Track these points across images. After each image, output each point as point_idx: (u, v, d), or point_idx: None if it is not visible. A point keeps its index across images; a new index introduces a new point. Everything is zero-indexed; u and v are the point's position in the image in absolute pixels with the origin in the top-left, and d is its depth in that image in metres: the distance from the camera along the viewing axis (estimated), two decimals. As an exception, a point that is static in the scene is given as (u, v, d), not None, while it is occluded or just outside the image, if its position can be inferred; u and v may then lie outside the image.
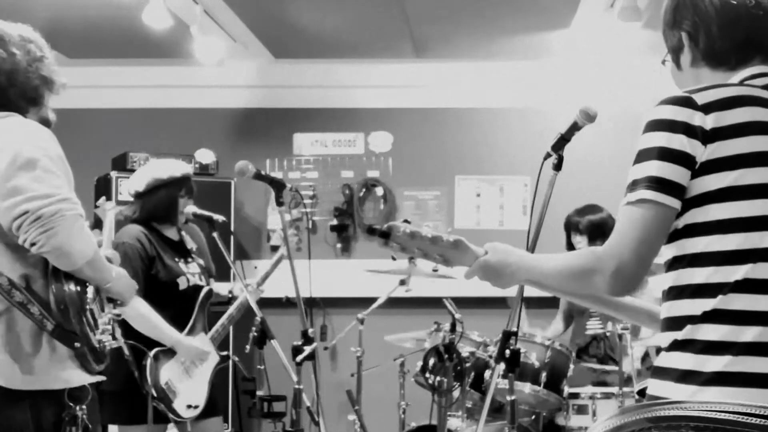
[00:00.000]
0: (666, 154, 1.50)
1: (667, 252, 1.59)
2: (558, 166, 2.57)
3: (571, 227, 4.33)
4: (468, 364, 3.43)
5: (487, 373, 3.56)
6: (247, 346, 3.15)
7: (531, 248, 2.59)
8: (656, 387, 1.55)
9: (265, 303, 3.60)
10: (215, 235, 3.33)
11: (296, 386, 2.91)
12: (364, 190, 5.52)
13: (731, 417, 1.41)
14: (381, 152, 5.56)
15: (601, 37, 4.84)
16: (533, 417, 3.79)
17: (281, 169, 5.53)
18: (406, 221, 1.84)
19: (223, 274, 4.21)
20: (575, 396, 3.67)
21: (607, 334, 3.87)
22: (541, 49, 5.16)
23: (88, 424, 2.16)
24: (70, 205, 2.07)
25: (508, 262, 1.78)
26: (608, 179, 5.21)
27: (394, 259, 1.93)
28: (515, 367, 2.80)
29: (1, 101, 2.22)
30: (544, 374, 3.58)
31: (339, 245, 5.48)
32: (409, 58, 5.38)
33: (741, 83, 1.63)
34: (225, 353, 3.60)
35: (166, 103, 5.42)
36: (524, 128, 5.43)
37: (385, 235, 1.79)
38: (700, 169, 1.50)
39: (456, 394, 3.25)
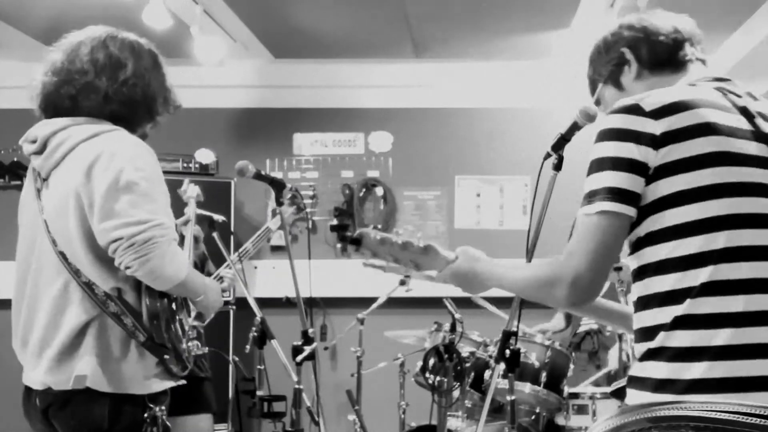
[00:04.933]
0: (617, 164, 1.51)
1: (632, 263, 1.60)
2: (558, 166, 2.57)
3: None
4: (468, 364, 3.43)
5: (487, 373, 3.56)
6: (247, 346, 3.15)
7: (531, 248, 2.59)
8: (634, 397, 1.55)
9: (265, 303, 3.60)
10: (215, 235, 3.33)
11: (296, 386, 2.91)
12: (364, 190, 5.52)
13: (731, 417, 1.41)
14: (381, 152, 5.56)
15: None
16: (533, 417, 3.79)
17: (281, 169, 5.53)
18: (376, 228, 1.86)
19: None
20: (575, 396, 3.67)
21: (606, 333, 3.88)
22: (541, 49, 5.16)
23: (168, 425, 2.20)
24: (163, 231, 2.10)
25: (477, 269, 1.79)
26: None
27: (365, 265, 1.93)
28: (515, 367, 2.80)
29: (127, 114, 2.25)
30: (544, 374, 3.58)
31: (339, 245, 5.48)
32: (409, 58, 5.38)
33: (691, 84, 1.67)
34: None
35: (166, 103, 5.42)
36: (524, 128, 5.44)
37: (356, 242, 1.82)
38: (653, 175, 1.51)
39: (456, 394, 3.25)
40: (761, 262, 1.50)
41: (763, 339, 1.47)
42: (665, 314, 1.51)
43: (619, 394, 2.37)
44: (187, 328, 2.30)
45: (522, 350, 2.93)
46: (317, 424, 3.09)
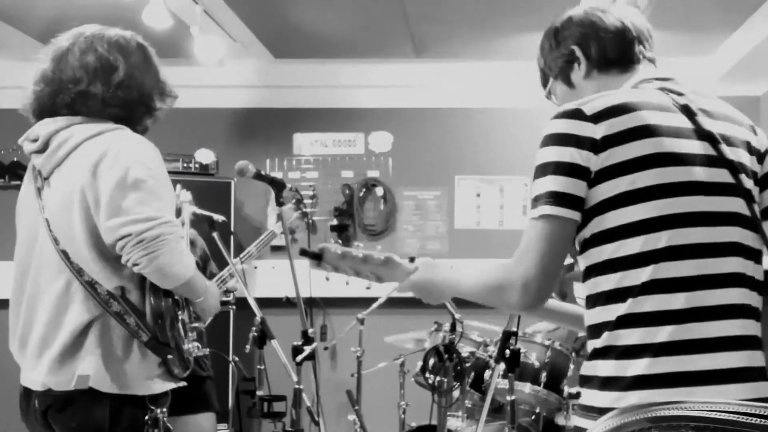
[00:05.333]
0: (559, 168, 1.54)
1: (582, 262, 1.62)
2: (558, 166, 2.56)
3: None
4: (468, 364, 3.43)
5: (487, 373, 3.56)
6: (247, 346, 3.15)
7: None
8: (584, 395, 1.59)
9: (265, 303, 3.60)
10: (215, 235, 3.33)
11: (296, 386, 2.91)
12: (364, 190, 5.52)
13: (731, 417, 1.41)
14: (381, 152, 5.56)
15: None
16: (533, 417, 3.79)
17: (281, 169, 5.53)
18: (337, 241, 1.88)
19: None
20: (575, 396, 3.66)
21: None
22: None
23: (169, 427, 2.20)
24: (172, 228, 2.11)
25: (434, 281, 1.82)
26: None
27: (327, 279, 1.96)
28: (515, 367, 2.80)
29: (126, 115, 2.25)
30: (544, 374, 3.58)
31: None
32: (409, 58, 5.38)
33: (635, 86, 1.68)
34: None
35: (166, 103, 5.42)
36: (524, 128, 5.43)
37: (317, 257, 1.84)
38: (595, 179, 1.53)
39: (456, 394, 3.25)
40: (702, 260, 1.52)
41: (704, 334, 1.51)
42: (609, 313, 1.54)
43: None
44: (188, 328, 2.30)
45: (522, 350, 2.93)
46: (317, 424, 3.09)
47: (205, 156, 5.07)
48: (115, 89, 2.19)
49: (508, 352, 2.75)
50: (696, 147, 1.57)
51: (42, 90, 2.20)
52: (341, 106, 5.56)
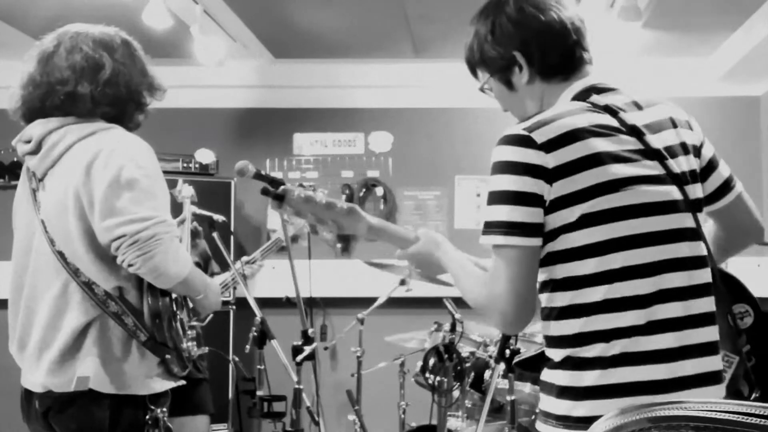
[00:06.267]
0: (516, 198, 1.56)
1: (540, 276, 1.65)
2: (558, 166, 2.56)
3: None
4: (468, 364, 3.43)
5: (487, 373, 3.56)
6: (247, 346, 3.15)
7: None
8: (543, 401, 1.66)
9: (265, 303, 3.60)
10: (215, 235, 3.33)
11: (296, 386, 2.91)
12: (364, 190, 5.52)
13: (731, 417, 1.41)
14: (381, 152, 5.56)
15: (601, 37, 4.83)
16: (533, 417, 3.78)
17: (281, 169, 5.53)
18: (301, 185, 1.86)
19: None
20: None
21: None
22: (541, 49, 5.16)
23: (169, 426, 2.20)
24: (167, 227, 2.10)
25: (435, 255, 1.84)
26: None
27: (286, 220, 1.93)
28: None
29: (117, 113, 2.23)
30: (544, 374, 3.58)
31: (339, 245, 5.48)
32: (409, 58, 5.38)
33: (584, 99, 1.67)
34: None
35: (166, 103, 5.41)
36: (524, 128, 5.43)
37: (279, 198, 1.82)
38: (550, 206, 1.56)
39: (456, 394, 3.24)
40: (659, 276, 1.58)
41: (654, 346, 1.56)
42: (566, 327, 1.60)
43: (523, 365, 2.40)
44: (186, 327, 2.29)
45: (522, 350, 2.93)
46: (317, 424, 3.09)
47: (205, 156, 5.07)
48: (103, 87, 2.18)
49: (508, 352, 2.75)
50: (644, 168, 1.60)
51: (30, 93, 2.19)
52: (341, 106, 5.56)
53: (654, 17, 4.38)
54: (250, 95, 5.61)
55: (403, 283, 4.21)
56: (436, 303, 3.73)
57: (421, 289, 4.24)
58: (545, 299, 1.64)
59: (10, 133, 2.29)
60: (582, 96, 1.69)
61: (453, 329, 3.41)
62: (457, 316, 3.44)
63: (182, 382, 2.29)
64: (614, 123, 1.63)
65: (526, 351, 2.45)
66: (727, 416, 1.42)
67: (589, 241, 1.56)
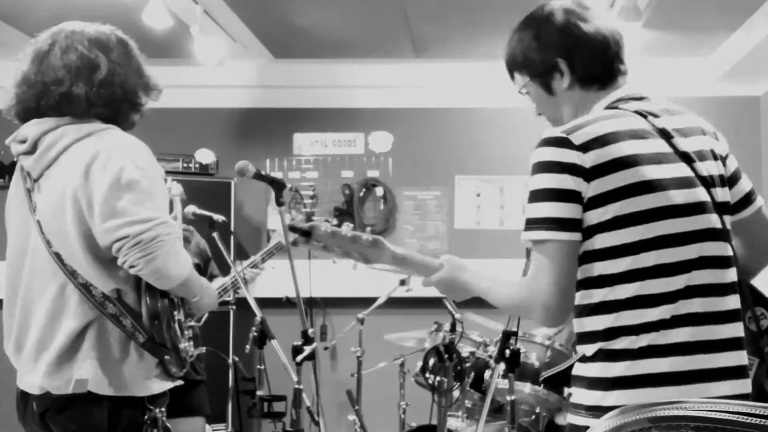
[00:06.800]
0: (556, 195, 1.65)
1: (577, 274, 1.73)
2: (558, 166, 2.57)
3: None
4: (468, 364, 3.43)
5: (487, 373, 3.56)
6: (247, 346, 3.14)
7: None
8: (574, 394, 1.75)
9: (265, 303, 3.59)
10: (215, 235, 3.33)
11: (296, 386, 2.90)
12: (364, 190, 5.52)
13: (731, 417, 1.41)
14: (381, 152, 5.56)
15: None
16: (533, 417, 3.78)
17: (281, 169, 5.53)
18: (326, 221, 1.90)
19: (224, 274, 4.21)
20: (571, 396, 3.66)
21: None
22: (541, 49, 5.15)
23: (168, 426, 2.19)
24: (168, 228, 2.08)
25: (461, 279, 1.89)
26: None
27: (334, 262, 1.98)
28: (515, 367, 2.80)
29: (112, 114, 2.21)
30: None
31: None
32: (409, 58, 5.38)
33: (614, 107, 1.77)
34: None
35: (166, 103, 5.41)
36: (524, 128, 5.42)
37: (307, 234, 1.86)
38: (587, 204, 1.66)
39: (456, 394, 3.24)
40: (689, 274, 1.67)
41: (678, 339, 1.65)
42: (597, 323, 1.69)
43: (550, 381, 2.45)
44: (184, 327, 2.29)
45: (522, 350, 2.93)
46: (317, 424, 3.09)
47: (205, 156, 5.07)
48: (98, 88, 2.16)
49: (508, 352, 2.75)
50: (673, 170, 1.69)
51: (25, 92, 2.17)
52: (341, 106, 5.55)
53: (654, 17, 4.38)
54: (250, 95, 5.61)
55: (403, 283, 4.22)
56: (436, 303, 3.73)
57: (421, 289, 4.24)
58: (579, 296, 1.71)
59: (10, 133, 2.28)
60: (616, 103, 1.79)
61: (453, 329, 3.41)
62: (457, 316, 3.44)
63: (180, 383, 2.28)
64: (645, 126, 1.72)
65: (556, 367, 2.49)
66: (727, 416, 1.42)
67: (622, 241, 1.65)
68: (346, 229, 1.88)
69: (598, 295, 1.68)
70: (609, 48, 1.82)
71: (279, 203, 3.04)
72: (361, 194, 5.51)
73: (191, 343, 2.29)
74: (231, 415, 4.91)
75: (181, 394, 2.43)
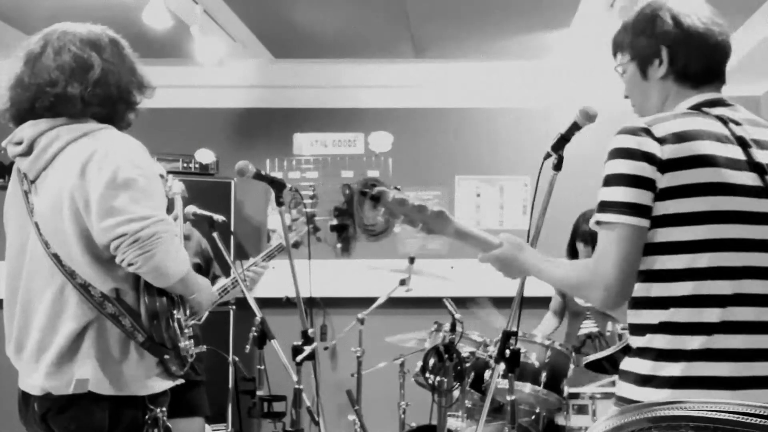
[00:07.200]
0: (631, 180, 1.69)
1: None
2: (558, 166, 2.58)
3: (577, 235, 4.29)
4: (468, 364, 3.43)
5: (487, 373, 3.55)
6: (247, 346, 3.14)
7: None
8: (621, 388, 1.76)
9: (265, 303, 3.59)
10: (215, 235, 3.33)
11: (296, 386, 2.90)
12: (364, 190, 5.51)
13: (731, 417, 1.42)
14: (381, 152, 5.56)
15: (601, 37, 4.83)
16: (533, 417, 3.78)
17: (281, 169, 5.53)
18: (396, 188, 1.93)
19: (224, 274, 4.21)
20: (575, 396, 3.66)
21: (607, 333, 3.87)
22: (541, 49, 5.16)
23: (169, 426, 2.19)
24: (166, 226, 2.08)
25: (520, 258, 1.95)
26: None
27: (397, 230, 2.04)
28: (515, 367, 2.80)
29: (108, 113, 2.21)
30: (544, 374, 3.57)
31: (339, 245, 5.48)
32: (409, 58, 5.38)
33: (698, 109, 1.79)
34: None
35: (166, 103, 5.42)
36: (524, 128, 5.43)
37: (375, 199, 1.94)
38: (659, 194, 1.69)
39: (456, 394, 3.24)
40: (738, 281, 1.69)
41: (731, 345, 1.67)
42: (652, 317, 1.72)
43: (593, 366, 2.48)
44: (184, 326, 2.28)
45: (522, 350, 2.93)
46: (317, 424, 3.09)
47: (205, 156, 5.07)
48: (93, 87, 2.15)
49: (508, 352, 2.75)
50: (746, 178, 1.72)
51: (19, 95, 2.17)
52: (341, 106, 5.55)
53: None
54: (250, 95, 5.61)
55: (403, 283, 4.22)
56: (436, 303, 3.73)
57: (421, 289, 4.25)
58: (637, 288, 1.73)
59: (10, 132, 2.27)
60: (700, 106, 1.81)
61: (453, 329, 3.41)
62: (457, 316, 3.44)
63: (181, 381, 2.28)
64: (724, 131, 1.75)
65: (599, 352, 2.52)
66: (727, 416, 1.42)
67: (685, 238, 1.68)
68: (414, 197, 1.95)
69: (656, 289, 1.71)
70: (716, 54, 1.84)
71: (279, 203, 3.04)
72: (361, 194, 5.50)
73: (191, 341, 2.28)
74: (231, 415, 4.91)
75: (181, 395, 2.42)
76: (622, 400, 1.74)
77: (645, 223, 1.69)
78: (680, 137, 1.70)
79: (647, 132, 1.71)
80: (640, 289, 1.73)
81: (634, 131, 1.72)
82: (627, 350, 1.81)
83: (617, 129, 1.74)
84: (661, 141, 1.69)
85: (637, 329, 1.75)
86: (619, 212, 1.68)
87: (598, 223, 1.72)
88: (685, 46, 1.83)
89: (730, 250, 1.69)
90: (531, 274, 1.95)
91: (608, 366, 2.49)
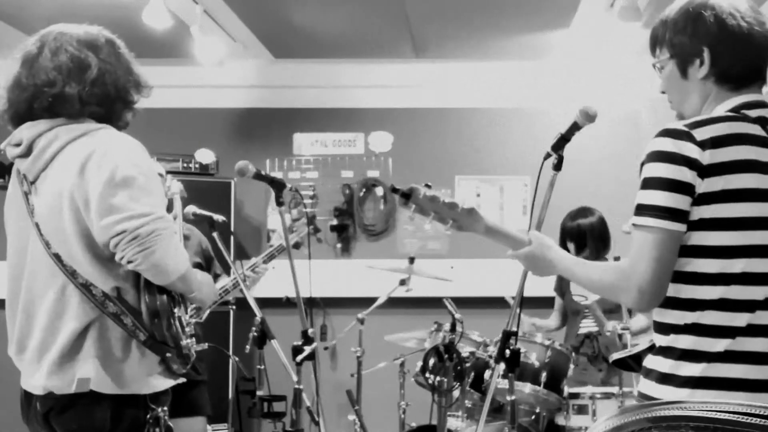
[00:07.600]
0: (670, 185, 1.68)
1: None
2: (558, 166, 2.57)
3: (564, 233, 4.29)
4: (468, 364, 3.43)
5: (487, 373, 3.55)
6: (247, 346, 3.14)
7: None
8: (643, 385, 1.78)
9: (265, 303, 3.59)
10: (215, 235, 3.33)
11: (296, 386, 2.90)
12: (364, 190, 5.52)
13: (731, 417, 1.42)
14: (381, 152, 5.56)
15: (601, 37, 4.83)
16: (533, 417, 3.78)
17: (281, 169, 5.53)
18: (427, 185, 1.96)
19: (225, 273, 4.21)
20: (575, 396, 3.67)
21: (607, 333, 3.87)
22: (541, 49, 5.16)
23: (170, 425, 2.19)
24: (165, 223, 2.09)
25: (548, 256, 1.97)
26: (607, 179, 5.21)
27: (411, 219, 2.05)
28: (515, 367, 2.80)
29: (106, 113, 2.21)
30: (544, 374, 3.58)
31: (339, 245, 5.48)
32: (409, 58, 5.38)
33: (737, 112, 1.77)
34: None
35: (166, 103, 5.43)
36: (524, 128, 5.43)
37: (406, 196, 1.93)
38: (697, 199, 1.69)
39: (456, 394, 3.24)
40: (760, 287, 1.69)
41: (756, 348, 1.69)
42: (678, 317, 1.73)
43: (619, 364, 2.54)
44: (185, 324, 2.28)
45: (522, 350, 2.93)
46: (317, 424, 3.09)
47: (205, 156, 5.07)
48: (90, 87, 2.16)
49: (508, 352, 2.75)
50: None
51: (17, 96, 2.17)
52: (341, 106, 5.55)
53: (654, 17, 4.36)
54: (250, 95, 5.61)
55: (403, 283, 4.22)
56: (436, 303, 3.74)
57: (421, 289, 4.25)
58: (669, 289, 1.73)
59: (8, 131, 2.27)
60: (739, 108, 1.79)
61: (453, 329, 3.41)
62: (457, 316, 3.44)
63: (182, 380, 2.28)
64: (763, 134, 1.75)
65: (625, 350, 2.55)
66: (727, 416, 1.42)
67: (720, 243, 1.69)
68: (444, 194, 1.96)
69: (685, 291, 1.72)
70: (759, 56, 1.82)
71: (279, 203, 3.04)
72: (361, 194, 5.51)
73: (193, 340, 2.29)
74: (231, 415, 4.91)
75: (182, 394, 2.43)
76: (643, 397, 1.75)
77: (682, 228, 1.69)
78: (721, 142, 1.69)
79: (688, 136, 1.70)
80: (669, 290, 1.73)
81: (675, 134, 1.70)
82: (652, 349, 1.82)
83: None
84: (702, 145, 1.68)
85: (662, 328, 1.76)
86: (657, 216, 1.68)
87: (634, 225, 1.72)
88: (727, 48, 1.79)
89: (763, 257, 1.69)
90: (560, 273, 1.97)
91: (633, 363, 2.52)
